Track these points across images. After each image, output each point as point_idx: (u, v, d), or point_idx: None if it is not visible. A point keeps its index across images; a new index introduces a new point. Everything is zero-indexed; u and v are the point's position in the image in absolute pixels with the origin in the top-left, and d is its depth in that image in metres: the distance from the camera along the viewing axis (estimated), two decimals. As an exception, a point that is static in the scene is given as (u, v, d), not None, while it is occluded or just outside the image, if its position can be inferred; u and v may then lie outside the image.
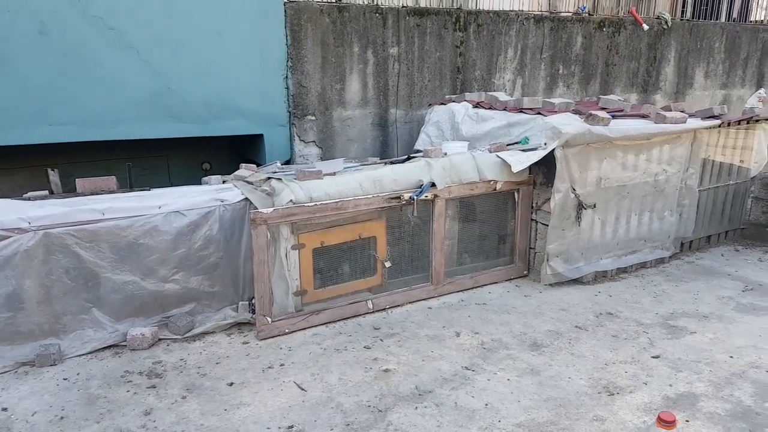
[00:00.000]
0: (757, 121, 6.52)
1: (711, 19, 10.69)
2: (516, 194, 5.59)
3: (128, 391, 3.84)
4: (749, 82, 11.10)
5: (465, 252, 5.56)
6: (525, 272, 5.80)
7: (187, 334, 4.55)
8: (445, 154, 5.41)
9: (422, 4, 8.44)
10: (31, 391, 3.80)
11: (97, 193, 4.66)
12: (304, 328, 4.69)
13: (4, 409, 3.61)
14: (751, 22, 11.61)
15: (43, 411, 3.60)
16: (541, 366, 4.20)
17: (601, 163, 5.48)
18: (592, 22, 9.22)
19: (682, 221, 6.26)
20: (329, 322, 4.81)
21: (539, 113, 5.70)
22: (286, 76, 7.25)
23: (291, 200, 4.47)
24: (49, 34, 5.79)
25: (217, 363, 4.21)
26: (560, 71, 9.14)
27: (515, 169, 5.24)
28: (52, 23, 5.74)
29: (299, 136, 7.55)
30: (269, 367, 4.14)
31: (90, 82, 6.03)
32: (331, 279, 4.91)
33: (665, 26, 9.79)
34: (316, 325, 4.75)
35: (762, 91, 6.93)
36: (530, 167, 5.45)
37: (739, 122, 6.33)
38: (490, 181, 5.35)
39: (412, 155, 5.66)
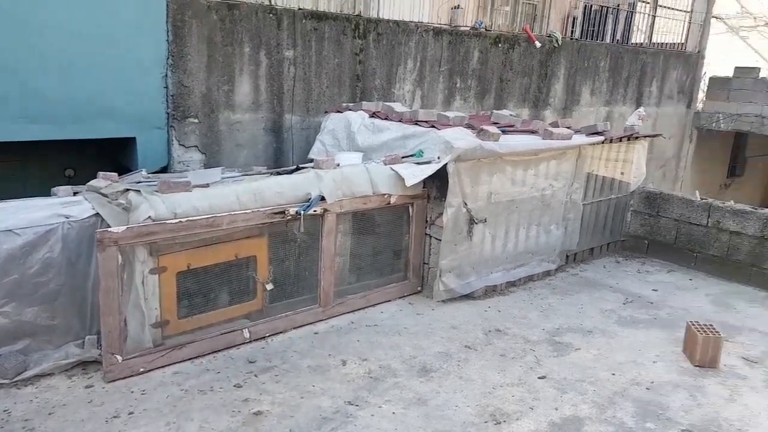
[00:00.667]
0: (636, 138, 6.81)
1: (597, 40, 11.22)
2: (410, 208, 5.42)
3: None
4: (630, 100, 11.81)
5: (357, 269, 5.29)
6: (419, 288, 5.64)
7: (17, 378, 3.86)
8: (338, 165, 5.12)
9: (321, 8, 8.12)
10: None
11: None
12: (164, 366, 4.14)
13: None
14: (632, 44, 12.36)
15: None
16: (429, 394, 4.01)
17: (491, 178, 5.43)
18: (488, 37, 9.33)
19: (567, 234, 6.39)
20: (196, 357, 4.30)
21: (433, 126, 5.56)
22: (166, 75, 6.63)
23: (150, 216, 3.95)
24: None
25: (49, 414, 3.57)
26: (458, 84, 9.16)
27: (409, 183, 5.05)
28: None
29: (179, 141, 6.93)
30: (114, 417, 3.57)
31: None
32: (200, 306, 4.42)
33: (556, 44, 10.13)
34: (180, 362, 4.22)
35: (641, 109, 7.29)
36: (424, 181, 5.29)
37: (620, 139, 6.56)
38: (384, 194, 5.13)
39: (302, 165, 5.32)
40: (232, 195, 4.34)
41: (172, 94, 6.68)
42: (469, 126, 5.75)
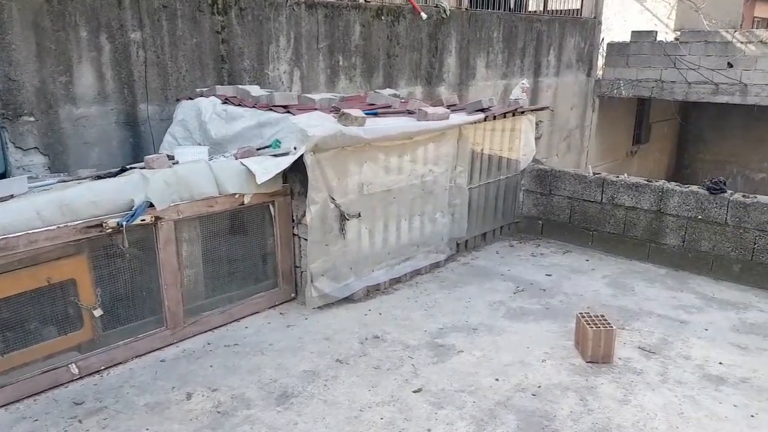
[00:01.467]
0: (522, 113, 6.46)
1: (489, 10, 10.87)
2: (271, 207, 4.77)
3: None
4: (527, 71, 11.59)
5: (213, 281, 4.61)
6: (293, 295, 5.03)
7: None
8: (175, 163, 4.39)
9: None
10: None
11: None
12: (-35, 420, 3.39)
13: None
14: (527, 12, 12.13)
15: None
16: (285, 427, 3.43)
17: (361, 168, 4.87)
18: (369, 9, 8.72)
19: (455, 221, 5.97)
20: (12, 403, 3.55)
21: (289, 112, 4.91)
22: (-12, 68, 5.60)
23: None
24: None
25: None
26: (341, 63, 8.51)
27: (260, 179, 4.40)
28: None
29: (14, 143, 5.92)
30: None
31: None
32: (13, 343, 3.63)
33: (444, 15, 9.68)
34: (-14, 412, 3.47)
35: (524, 81, 6.94)
36: (286, 174, 4.67)
37: (504, 115, 6.19)
38: (235, 194, 4.45)
39: (129, 166, 4.54)
40: (30, 210, 3.53)
41: (-1, 90, 5.67)
42: (335, 109, 5.16)
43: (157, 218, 4.04)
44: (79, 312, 3.87)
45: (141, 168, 4.24)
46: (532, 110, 6.62)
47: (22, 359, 3.67)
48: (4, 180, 4.08)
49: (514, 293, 5.33)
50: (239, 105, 5.31)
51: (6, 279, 3.49)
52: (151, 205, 3.99)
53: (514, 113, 6.29)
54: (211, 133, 5.34)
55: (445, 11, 9.61)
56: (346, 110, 4.73)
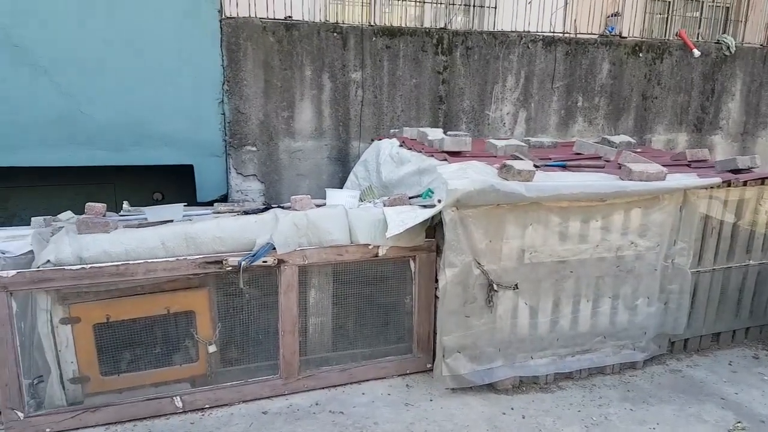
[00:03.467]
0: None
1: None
2: (412, 263, 4.22)
3: None
4: None
5: (338, 336, 4.25)
6: (428, 366, 4.36)
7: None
8: (316, 206, 4.19)
9: (394, 23, 7.26)
10: None
11: None
12: (72, 430, 3.61)
13: None
14: None
15: None
16: None
17: (524, 231, 3.97)
18: (623, 45, 7.51)
19: (669, 313, 4.50)
20: (112, 423, 3.68)
21: (445, 159, 4.29)
22: (222, 101, 6.36)
23: (49, 260, 3.47)
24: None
25: None
26: (579, 103, 7.51)
27: (389, 232, 3.88)
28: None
29: (236, 169, 6.61)
30: None
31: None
32: (127, 365, 3.80)
33: (727, 53, 7.81)
34: (92, 426, 3.64)
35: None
36: (435, 228, 4.09)
37: (762, 181, 4.49)
38: (368, 245, 4.03)
39: (278, 205, 4.49)
40: (156, 239, 3.67)
41: (229, 121, 6.38)
42: (514, 158, 4.36)
43: (281, 261, 3.86)
44: (195, 345, 3.90)
45: (276, 208, 4.15)
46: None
47: (132, 382, 3.80)
48: (164, 206, 4.41)
49: (729, 430, 3.71)
50: (410, 149, 4.90)
51: (126, 303, 3.68)
52: (274, 248, 3.83)
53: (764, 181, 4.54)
54: (383, 175, 5.05)
55: (729, 48, 7.76)
56: (509, 162, 3.92)
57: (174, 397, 3.80)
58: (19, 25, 5.45)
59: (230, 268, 3.75)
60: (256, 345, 4.04)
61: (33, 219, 4.37)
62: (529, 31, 7.26)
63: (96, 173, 6.48)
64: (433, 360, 4.33)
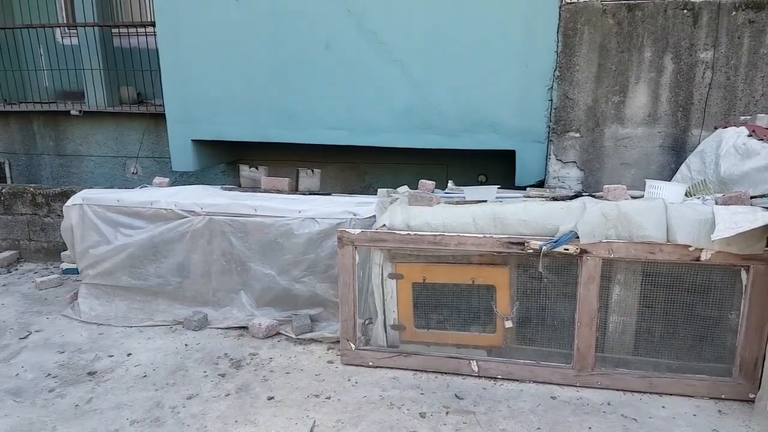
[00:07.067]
0: None
1: None
2: (743, 275, 3.63)
3: (204, 372, 4.29)
4: None
5: (643, 340, 3.96)
6: (751, 395, 3.72)
7: (301, 336, 4.76)
8: (631, 197, 3.95)
9: (762, -8, 6.09)
10: (157, 347, 4.70)
11: (274, 191, 5.31)
12: (387, 368, 4.26)
13: (129, 354, 4.59)
14: None
15: (144, 365, 4.41)
16: None
17: None
18: None
19: None
20: (418, 371, 4.23)
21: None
22: (551, 87, 6.46)
23: (384, 225, 4.12)
24: (332, 49, 6.70)
25: (287, 373, 4.24)
26: None
27: (715, 234, 3.40)
28: (334, 39, 6.61)
29: (556, 155, 6.64)
30: (315, 396, 3.95)
31: (361, 93, 6.72)
32: (435, 322, 4.29)
33: None
34: (403, 369, 4.24)
35: None
36: (779, 237, 3.47)
37: None
38: (689, 246, 3.63)
39: (590, 194, 4.33)
40: (468, 216, 4.00)
41: (555, 107, 6.46)
42: None
43: (583, 251, 3.79)
44: (493, 318, 4.15)
45: (587, 197, 4.04)
46: None
47: (442, 339, 4.28)
48: (480, 187, 4.72)
49: None
50: (761, 139, 4.15)
51: (439, 269, 4.13)
52: (577, 237, 3.78)
53: None
54: (722, 169, 4.42)
55: None
56: None
57: (471, 361, 4.15)
58: (376, 18, 6.41)
59: (531, 251, 3.86)
60: (550, 330, 4.08)
61: (379, 190, 5.23)
62: None
63: (433, 155, 7.29)
64: (758, 390, 3.68)
